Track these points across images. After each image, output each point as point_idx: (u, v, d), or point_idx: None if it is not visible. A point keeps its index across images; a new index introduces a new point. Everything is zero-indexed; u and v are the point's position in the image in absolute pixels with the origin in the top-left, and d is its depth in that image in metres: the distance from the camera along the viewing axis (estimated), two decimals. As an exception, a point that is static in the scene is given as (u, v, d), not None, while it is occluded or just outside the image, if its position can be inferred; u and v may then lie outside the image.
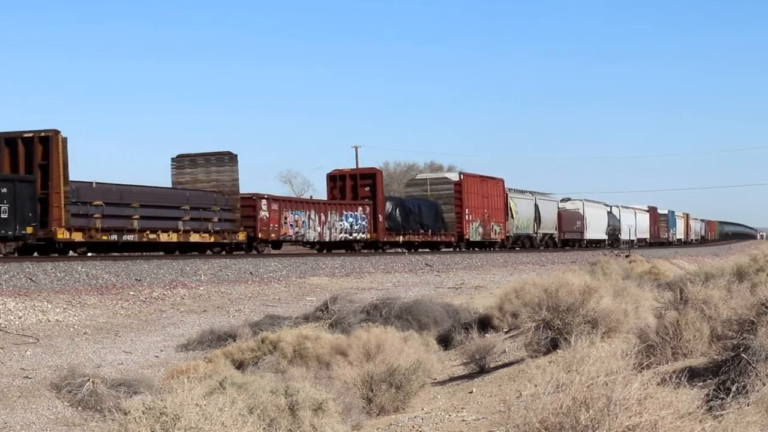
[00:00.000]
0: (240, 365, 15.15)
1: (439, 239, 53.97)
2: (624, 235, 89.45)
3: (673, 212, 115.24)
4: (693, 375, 8.32)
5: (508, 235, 62.52)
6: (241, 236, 39.29)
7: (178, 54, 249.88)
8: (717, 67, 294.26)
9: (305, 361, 13.98)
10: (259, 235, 40.25)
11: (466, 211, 56.26)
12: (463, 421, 9.88)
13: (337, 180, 50.62)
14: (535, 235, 67.54)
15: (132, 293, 24.42)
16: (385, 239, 49.56)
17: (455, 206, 55.54)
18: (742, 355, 7.84)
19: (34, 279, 24.27)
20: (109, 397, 13.39)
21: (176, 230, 35.97)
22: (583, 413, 5.90)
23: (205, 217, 37.71)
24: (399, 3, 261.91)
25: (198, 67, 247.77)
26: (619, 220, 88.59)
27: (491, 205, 59.58)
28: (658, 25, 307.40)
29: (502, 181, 63.20)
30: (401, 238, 50.61)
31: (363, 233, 47.79)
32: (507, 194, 62.73)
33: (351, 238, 46.88)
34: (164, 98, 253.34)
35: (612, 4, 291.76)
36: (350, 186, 49.86)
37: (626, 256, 51.64)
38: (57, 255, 30.88)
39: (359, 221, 47.62)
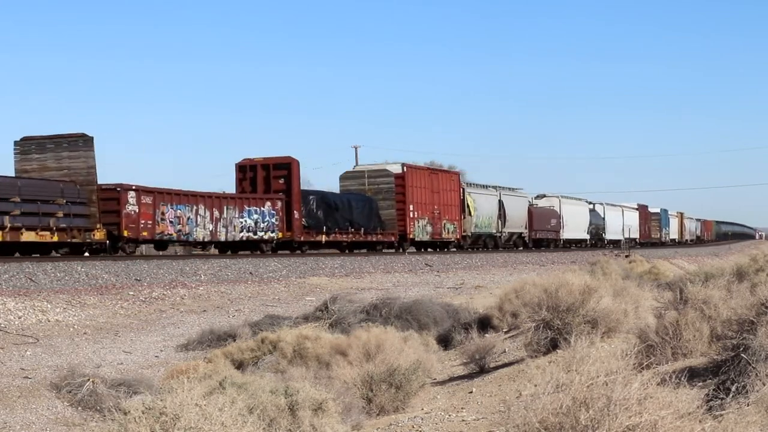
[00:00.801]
0: (240, 365, 15.15)
1: (374, 239, 47.93)
2: (610, 235, 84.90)
3: (666, 211, 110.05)
4: (693, 375, 8.32)
5: (464, 234, 56.51)
6: (99, 235, 32.94)
7: (178, 54, 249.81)
8: (716, 68, 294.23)
9: (305, 361, 13.98)
10: (125, 233, 33.97)
11: (411, 208, 50.21)
12: (463, 421, 9.88)
13: (246, 171, 43.99)
14: (499, 234, 61.39)
15: (132, 293, 24.42)
16: (302, 239, 43.07)
17: (397, 202, 49.55)
18: (742, 355, 7.84)
19: (33, 279, 24.27)
20: (108, 397, 13.39)
21: (1, 227, 29.42)
22: (583, 413, 5.89)
23: (45, 212, 30.98)
24: (399, 3, 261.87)
25: (198, 67, 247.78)
26: (604, 219, 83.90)
27: (443, 201, 53.44)
28: (656, 25, 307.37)
29: (458, 174, 58.51)
30: (324, 238, 44.50)
31: (272, 232, 41.33)
32: (464, 189, 56.78)
33: (256, 237, 40.49)
34: (164, 98, 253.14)
35: (609, 3, 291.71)
36: (262, 177, 43.45)
37: (626, 256, 51.67)
38: (57, 255, 30.85)
39: (267, 218, 41.04)
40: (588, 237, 78.65)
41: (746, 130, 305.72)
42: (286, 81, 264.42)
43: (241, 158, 44.84)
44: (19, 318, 19.58)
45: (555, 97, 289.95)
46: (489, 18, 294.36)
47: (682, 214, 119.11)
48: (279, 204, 41.95)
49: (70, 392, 14.10)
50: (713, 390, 7.52)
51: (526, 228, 65.63)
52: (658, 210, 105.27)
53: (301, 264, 35.61)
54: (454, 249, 54.65)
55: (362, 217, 46.80)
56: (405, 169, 50.72)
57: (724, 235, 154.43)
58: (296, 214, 42.68)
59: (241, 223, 39.59)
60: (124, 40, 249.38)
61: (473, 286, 33.37)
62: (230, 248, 40.38)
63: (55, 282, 24.49)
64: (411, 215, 50.22)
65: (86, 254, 32.33)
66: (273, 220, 41.45)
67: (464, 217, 56.38)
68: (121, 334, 19.91)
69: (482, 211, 58.68)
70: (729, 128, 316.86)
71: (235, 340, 17.28)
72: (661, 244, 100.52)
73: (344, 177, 51.51)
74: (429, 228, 51.75)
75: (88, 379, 14.26)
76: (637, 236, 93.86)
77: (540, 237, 68.64)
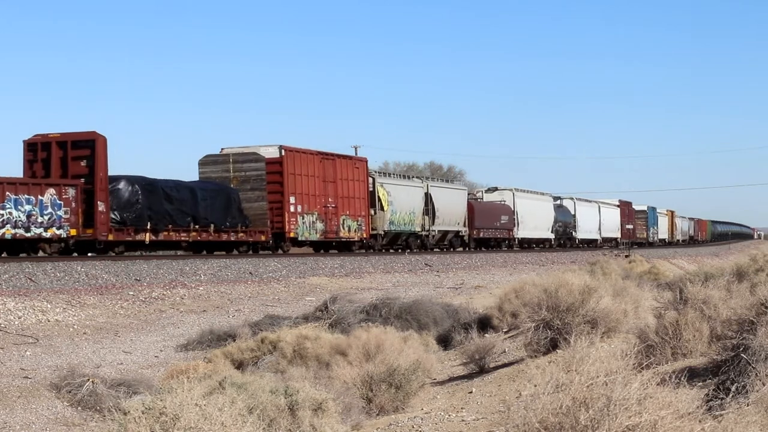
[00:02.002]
0: (240, 365, 15.16)
1: (234, 238, 38.23)
2: (582, 234, 76.70)
3: (653, 209, 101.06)
4: (693, 375, 8.32)
5: (375, 233, 47.58)
6: None
7: (178, 53, 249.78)
8: (714, 67, 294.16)
9: (305, 361, 13.99)
10: None
11: (291, 200, 41.11)
12: (463, 421, 9.88)
13: (38, 150, 33.76)
14: (425, 233, 52.39)
15: (132, 293, 24.41)
16: (110, 237, 32.98)
17: (270, 193, 40.36)
18: (742, 355, 7.84)
19: (33, 279, 24.26)
20: (108, 397, 13.40)
21: None
22: (583, 413, 5.89)
23: None
24: (399, 3, 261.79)
25: (198, 67, 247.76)
26: (574, 216, 75.02)
27: (342, 193, 44.59)
28: (653, 25, 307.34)
29: (365, 161, 48.01)
30: (149, 237, 34.55)
31: (59, 228, 31.11)
32: (374, 179, 48.05)
33: (30, 235, 30.25)
34: (163, 98, 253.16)
35: (605, 3, 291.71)
36: (58, 158, 33.39)
37: (626, 256, 51.65)
38: (57, 255, 30.83)
39: (49, 210, 30.79)
40: (552, 236, 70.02)
41: (746, 130, 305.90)
42: (287, 81, 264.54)
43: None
44: (19, 318, 19.58)
45: (555, 97, 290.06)
46: (489, 18, 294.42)
47: (672, 212, 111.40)
48: (70, 192, 31.56)
49: (69, 392, 14.11)
50: (713, 390, 7.51)
51: (465, 226, 56.84)
52: (645, 207, 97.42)
53: (301, 264, 35.60)
54: (362, 251, 46.10)
55: (213, 211, 37.17)
56: (283, 153, 41.23)
57: (720, 235, 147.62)
58: (101, 206, 32.52)
59: (1, 216, 29.38)
60: (126, 39, 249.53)
61: (473, 286, 33.37)
62: None
63: (54, 282, 24.49)
64: (292, 209, 41.10)
65: (89, 254, 32.34)
66: (60, 212, 31.20)
67: (375, 213, 47.43)
68: (120, 334, 19.90)
69: (401, 205, 49.76)
70: (729, 128, 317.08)
71: (235, 340, 17.28)
72: (648, 244, 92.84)
73: (204, 162, 41.33)
74: (320, 225, 42.84)
75: (88, 379, 14.27)
76: (618, 236, 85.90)
77: (485, 236, 59.69)
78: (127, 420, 6.77)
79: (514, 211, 63.63)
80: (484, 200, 63.61)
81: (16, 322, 19.27)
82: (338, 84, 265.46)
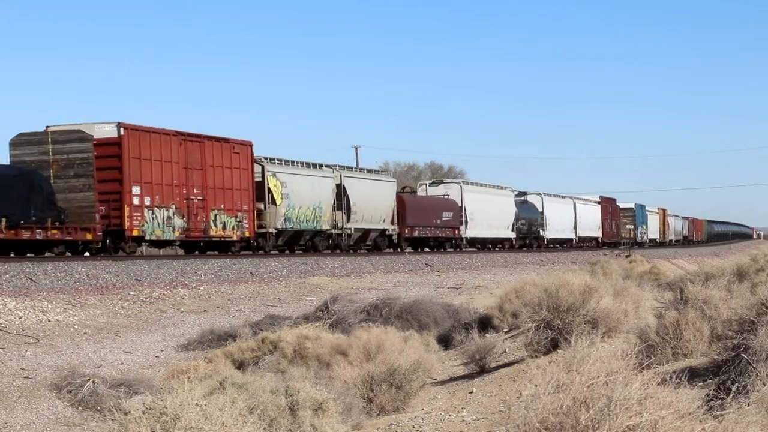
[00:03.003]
0: (240, 365, 15.17)
1: (40, 236, 29.83)
2: (552, 233, 69.54)
3: (642, 206, 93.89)
4: (693, 375, 8.32)
5: (264, 231, 40.09)
6: None
7: (178, 52, 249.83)
8: (714, 68, 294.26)
9: (305, 361, 14.00)
10: None
11: (135, 191, 33.36)
12: (464, 421, 9.88)
13: None
14: (339, 231, 44.81)
15: (132, 293, 24.41)
16: None
17: (104, 181, 32.31)
18: (743, 355, 7.84)
19: (34, 279, 24.26)
20: (109, 397, 13.40)
21: None
22: (584, 413, 5.89)
23: None
24: (399, 3, 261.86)
25: (198, 67, 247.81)
26: (542, 213, 67.53)
27: (214, 183, 36.90)
28: (651, 25, 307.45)
29: (248, 145, 39.53)
30: None
31: None
32: (263, 167, 40.29)
33: None
34: (163, 97, 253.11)
35: (602, 3, 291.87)
36: None
37: (626, 257, 51.64)
38: (57, 255, 30.83)
39: None
40: (513, 235, 62.62)
41: (746, 130, 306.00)
42: (287, 81, 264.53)
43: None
44: (20, 318, 19.58)
45: (555, 97, 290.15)
46: (489, 19, 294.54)
47: (664, 210, 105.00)
48: None
49: (70, 392, 14.11)
50: (714, 390, 7.51)
51: (394, 223, 49.04)
52: (632, 205, 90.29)
53: (302, 264, 35.61)
54: (247, 252, 39.11)
55: (6, 203, 28.91)
56: (122, 132, 33.16)
57: (717, 235, 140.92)
58: None
59: None
60: (124, 39, 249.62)
61: (473, 286, 33.38)
62: None
63: (55, 282, 24.49)
64: (135, 202, 33.36)
65: (86, 254, 32.32)
66: None
67: (265, 208, 40.05)
68: (121, 334, 19.91)
69: (301, 198, 42.11)
70: (729, 128, 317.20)
71: (235, 340, 17.29)
72: (636, 245, 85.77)
73: (17, 143, 32.64)
74: (179, 221, 35.09)
75: (89, 379, 14.27)
76: (599, 235, 79.28)
77: (421, 235, 51.75)
78: (128, 420, 6.77)
79: (461, 206, 55.30)
80: (428, 194, 56.02)
81: (17, 322, 19.27)
82: (338, 84, 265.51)
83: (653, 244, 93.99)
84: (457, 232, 55.21)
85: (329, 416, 8.39)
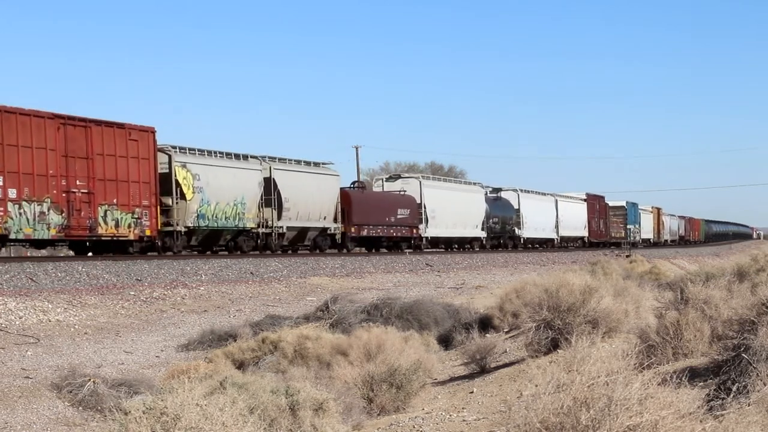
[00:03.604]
0: (241, 365, 15.17)
1: None
2: (530, 232, 64.70)
3: (635, 205, 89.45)
4: (694, 375, 8.32)
5: (171, 228, 35.37)
6: None
7: (179, 51, 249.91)
8: (714, 68, 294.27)
9: (306, 361, 14.00)
10: None
11: None
12: (464, 421, 9.88)
13: None
14: (268, 230, 40.03)
15: (133, 293, 24.42)
16: None
17: None
18: (743, 355, 7.84)
19: (34, 279, 24.27)
20: (109, 397, 13.40)
21: None
22: (584, 413, 5.89)
23: None
24: (400, 3, 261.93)
25: (199, 66, 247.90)
26: (518, 210, 62.64)
27: (104, 174, 32.06)
28: (648, 26, 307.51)
29: (150, 132, 34.36)
30: None
31: None
32: (170, 157, 35.59)
33: None
34: (162, 96, 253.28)
35: (605, 3, 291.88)
36: None
37: (627, 257, 51.64)
38: (58, 255, 30.85)
39: None
40: (483, 234, 57.64)
41: (745, 130, 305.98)
42: (287, 81, 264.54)
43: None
44: (20, 318, 19.58)
45: (555, 97, 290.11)
46: (489, 19, 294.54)
47: (659, 209, 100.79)
48: None
49: (71, 392, 14.12)
50: (714, 390, 7.51)
51: (337, 221, 44.39)
52: (623, 203, 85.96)
53: (302, 264, 35.62)
54: (153, 253, 34.83)
55: None
56: None
57: (715, 235, 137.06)
58: None
59: None
60: (123, 39, 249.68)
61: (474, 286, 33.38)
62: None
63: (56, 282, 24.49)
64: None
65: (89, 254, 32.34)
66: None
67: (174, 203, 35.48)
68: (122, 334, 19.91)
69: (220, 193, 37.40)
70: (729, 128, 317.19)
71: (236, 340, 17.29)
72: (628, 245, 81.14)
73: None
74: (56, 217, 30.41)
75: (89, 379, 14.27)
76: (585, 234, 74.82)
77: (371, 234, 46.94)
78: (128, 420, 6.78)
79: (420, 203, 50.59)
80: (384, 189, 51.57)
81: (17, 322, 19.27)
82: (338, 84, 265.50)
83: (647, 244, 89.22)
84: (415, 231, 50.08)
85: (329, 416, 8.39)
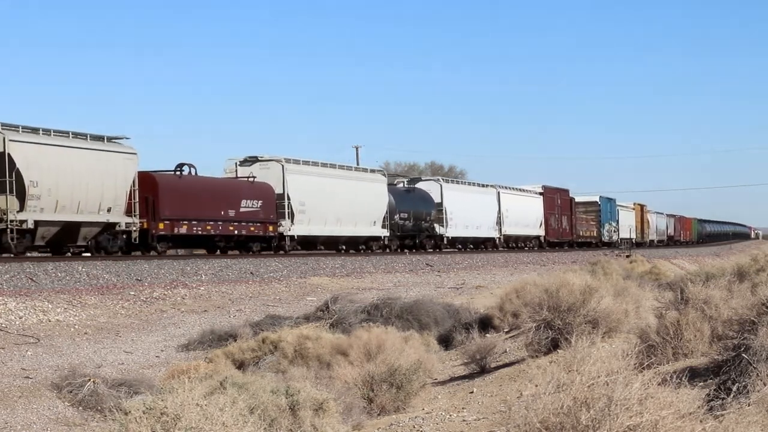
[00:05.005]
0: (241, 365, 15.17)
1: None
2: (460, 230, 54.45)
3: (611, 201, 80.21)
4: (694, 375, 8.32)
5: None
6: None
7: (179, 50, 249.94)
8: (715, 66, 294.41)
9: (306, 361, 14.01)
10: None
11: None
12: (464, 421, 9.88)
13: None
14: (2, 225, 28.04)
15: (133, 293, 24.42)
16: None
17: None
18: (743, 355, 7.84)
19: (34, 279, 24.27)
20: (109, 397, 13.40)
21: None
22: (584, 413, 5.89)
23: None
24: (400, 3, 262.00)
25: (199, 66, 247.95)
26: (440, 204, 52.16)
27: None
28: (652, 25, 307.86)
29: None
30: None
31: None
32: None
33: None
34: (162, 96, 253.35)
35: (605, 3, 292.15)
36: None
37: (627, 257, 51.63)
38: (58, 255, 30.85)
39: None
40: (385, 233, 47.28)
41: (746, 129, 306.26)
42: (287, 81, 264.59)
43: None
44: (20, 318, 19.59)
45: (555, 96, 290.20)
46: (489, 19, 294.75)
47: (642, 206, 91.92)
48: None
49: (71, 392, 14.12)
50: (714, 390, 7.51)
51: (134, 215, 33.05)
52: (595, 198, 76.43)
53: (302, 264, 35.63)
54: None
55: None
56: None
57: (709, 235, 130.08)
58: None
59: None
60: (122, 38, 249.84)
61: (474, 286, 33.39)
62: None
63: (56, 282, 24.49)
64: None
65: (87, 254, 32.32)
66: None
67: None
68: (121, 334, 19.91)
69: None
70: (729, 128, 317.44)
71: (236, 340, 17.29)
72: (604, 244, 73.94)
73: None
74: None
75: (89, 379, 14.27)
76: (541, 233, 65.37)
77: (194, 232, 35.95)
78: (128, 420, 6.77)
79: (282, 194, 40.28)
80: (238, 176, 40.94)
81: (17, 322, 19.28)
82: (338, 84, 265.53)
83: (628, 244, 78.62)
84: (272, 228, 39.85)
85: (330, 416, 8.39)
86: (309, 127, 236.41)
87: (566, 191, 71.19)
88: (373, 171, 49.20)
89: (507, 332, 16.83)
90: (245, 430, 6.92)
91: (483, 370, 13.23)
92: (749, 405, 6.82)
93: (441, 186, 53.93)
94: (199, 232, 36.45)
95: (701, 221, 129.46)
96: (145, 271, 28.13)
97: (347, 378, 11.58)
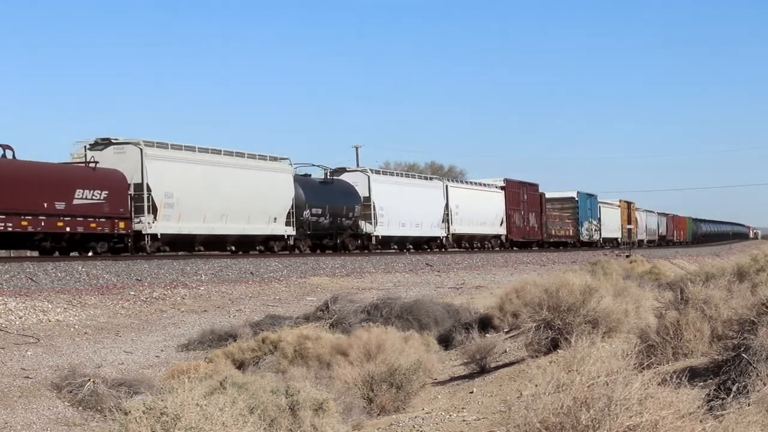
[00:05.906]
0: (241, 365, 15.17)
1: None
2: (388, 228, 47.30)
3: (591, 197, 73.34)
4: (694, 375, 8.32)
5: None
6: None
7: (178, 49, 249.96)
8: (714, 67, 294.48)
9: (306, 361, 14.01)
10: None
11: None
12: (464, 421, 9.88)
13: None
14: None
15: (133, 293, 24.42)
16: None
17: None
18: (743, 355, 7.84)
19: (34, 279, 24.27)
20: (109, 397, 13.40)
21: None
22: (584, 413, 5.89)
23: None
24: (400, 3, 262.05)
25: (199, 66, 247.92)
26: (368, 198, 45.68)
27: None
28: (653, 25, 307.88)
29: None
30: None
31: None
32: None
33: None
34: (161, 95, 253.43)
35: (605, 3, 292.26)
36: None
37: (627, 257, 51.60)
38: (58, 255, 30.86)
39: None
40: (290, 231, 40.60)
41: (746, 129, 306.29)
42: (287, 81, 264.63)
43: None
44: (20, 318, 19.58)
45: (555, 96, 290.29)
46: (489, 20, 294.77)
47: (629, 204, 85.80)
48: None
49: (70, 392, 14.12)
50: (714, 390, 7.51)
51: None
52: (573, 194, 69.98)
53: (302, 264, 35.63)
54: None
55: None
56: None
57: (705, 235, 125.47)
58: None
59: None
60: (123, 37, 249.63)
61: (474, 286, 33.38)
62: None
63: (56, 282, 24.49)
64: None
65: (89, 254, 32.30)
66: None
67: None
68: (121, 334, 19.91)
69: None
70: (729, 128, 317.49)
71: (236, 340, 17.29)
72: (581, 244, 68.46)
73: None
74: None
75: (89, 379, 14.27)
76: (502, 232, 59.10)
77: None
78: (128, 420, 6.77)
79: (142, 184, 33.36)
80: (88, 159, 33.00)
81: (17, 322, 19.27)
82: (338, 84, 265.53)
83: (613, 245, 73.88)
84: (124, 225, 32.63)
85: (329, 416, 8.39)
86: (309, 128, 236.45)
87: (535, 186, 64.63)
88: (275, 159, 40.96)
89: (507, 332, 16.83)
90: (245, 430, 6.92)
91: (483, 370, 13.23)
92: (749, 405, 6.82)
93: (368, 178, 46.84)
94: (10, 229, 28.77)
95: (696, 221, 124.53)
96: (145, 271, 28.13)
97: (347, 378, 11.58)
